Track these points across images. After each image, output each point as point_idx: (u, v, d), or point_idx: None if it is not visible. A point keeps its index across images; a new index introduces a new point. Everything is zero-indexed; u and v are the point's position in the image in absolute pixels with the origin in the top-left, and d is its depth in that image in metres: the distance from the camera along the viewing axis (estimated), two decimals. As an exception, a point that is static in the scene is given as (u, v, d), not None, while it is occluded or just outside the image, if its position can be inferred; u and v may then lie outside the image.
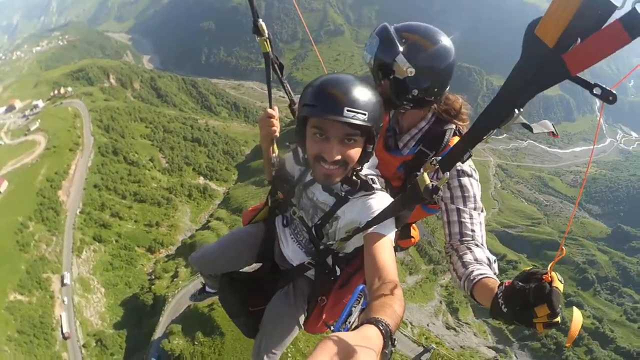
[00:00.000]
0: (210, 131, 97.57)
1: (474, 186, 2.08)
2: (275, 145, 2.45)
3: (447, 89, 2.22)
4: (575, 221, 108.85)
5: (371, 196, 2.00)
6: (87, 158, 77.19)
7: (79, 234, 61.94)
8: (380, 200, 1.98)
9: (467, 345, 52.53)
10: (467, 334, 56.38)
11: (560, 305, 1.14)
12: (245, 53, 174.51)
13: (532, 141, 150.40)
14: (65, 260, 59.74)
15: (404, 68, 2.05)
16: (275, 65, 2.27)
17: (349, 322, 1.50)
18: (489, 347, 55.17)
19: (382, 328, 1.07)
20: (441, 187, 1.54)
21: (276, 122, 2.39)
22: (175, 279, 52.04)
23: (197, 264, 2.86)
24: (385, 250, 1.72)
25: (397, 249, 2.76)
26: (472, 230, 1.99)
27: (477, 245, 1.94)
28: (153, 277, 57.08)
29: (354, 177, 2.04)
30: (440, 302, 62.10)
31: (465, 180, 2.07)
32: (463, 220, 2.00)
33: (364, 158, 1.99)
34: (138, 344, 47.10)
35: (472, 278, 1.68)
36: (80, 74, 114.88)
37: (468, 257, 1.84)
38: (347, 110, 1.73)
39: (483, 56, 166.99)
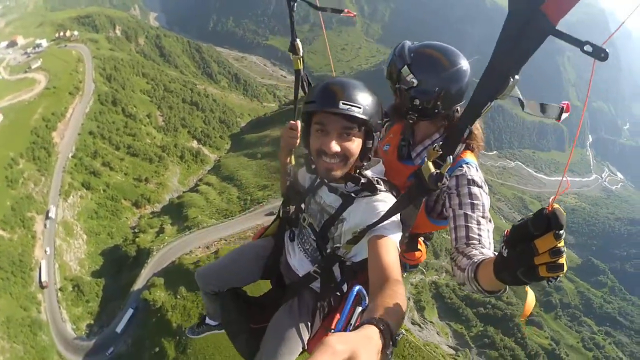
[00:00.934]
0: (210, 97, 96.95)
1: (483, 196, 2.10)
2: (293, 157, 2.58)
3: (458, 105, 2.32)
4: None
5: (375, 197, 2.08)
6: (85, 104, 76.29)
7: (68, 178, 61.71)
8: (385, 200, 2.05)
9: (430, 341, 54.18)
10: (430, 331, 57.56)
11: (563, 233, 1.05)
12: (253, 26, 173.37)
13: (519, 163, 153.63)
14: (51, 202, 59.37)
15: (407, 78, 2.23)
16: (304, 83, 2.53)
17: (351, 325, 1.57)
18: (449, 346, 56.79)
19: (382, 328, 1.08)
20: (445, 173, 1.64)
21: (298, 135, 2.47)
22: (160, 234, 52.18)
23: (202, 279, 2.81)
24: (388, 251, 1.76)
25: (405, 266, 2.91)
26: (479, 235, 1.97)
27: (483, 248, 1.89)
28: (137, 230, 57.15)
29: (357, 175, 2.13)
30: (409, 299, 63.67)
31: (475, 189, 2.10)
32: (470, 225, 1.99)
33: (364, 153, 2.08)
34: (115, 294, 47.56)
35: (476, 261, 1.65)
36: (86, 19, 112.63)
37: (473, 252, 1.80)
38: (343, 103, 1.88)
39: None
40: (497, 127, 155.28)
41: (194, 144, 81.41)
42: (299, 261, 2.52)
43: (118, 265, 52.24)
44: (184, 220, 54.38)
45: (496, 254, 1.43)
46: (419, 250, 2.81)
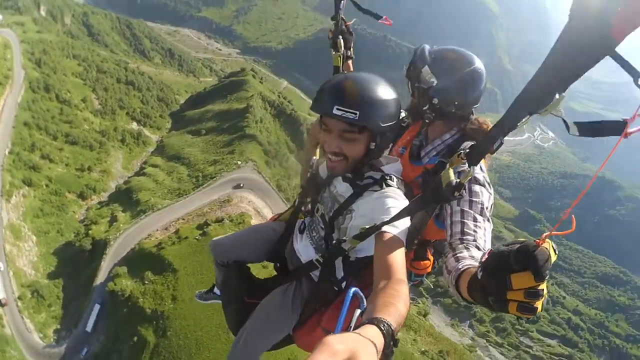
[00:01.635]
0: (145, 76, 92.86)
1: (484, 195, 2.07)
2: (318, 150, 2.66)
3: (473, 106, 2.39)
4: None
5: (385, 191, 2.04)
6: (16, 93, 70.17)
7: (8, 177, 56.96)
8: (394, 197, 2.02)
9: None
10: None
11: (545, 289, 1.01)
12: None
13: None
14: (-6, 206, 55.30)
15: (427, 78, 2.31)
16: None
17: (350, 327, 1.47)
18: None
19: (383, 328, 1.07)
20: (465, 183, 1.61)
21: None
22: (114, 223, 50.34)
23: (215, 248, 2.92)
24: (393, 249, 1.73)
25: (410, 275, 2.77)
26: (474, 232, 1.93)
27: (477, 247, 1.85)
28: (88, 223, 54.44)
29: (364, 171, 2.16)
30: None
31: (476, 187, 2.08)
32: (466, 221, 1.96)
33: (369, 154, 2.07)
34: (77, 292, 45.55)
35: (460, 267, 1.61)
36: (8, 2, 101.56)
37: (463, 254, 1.76)
38: (337, 109, 1.86)
39: (427, 39, 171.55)
40: None
41: (134, 125, 77.90)
42: (303, 247, 2.56)
43: (74, 262, 49.67)
44: (135, 205, 52.68)
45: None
46: (428, 259, 2.68)
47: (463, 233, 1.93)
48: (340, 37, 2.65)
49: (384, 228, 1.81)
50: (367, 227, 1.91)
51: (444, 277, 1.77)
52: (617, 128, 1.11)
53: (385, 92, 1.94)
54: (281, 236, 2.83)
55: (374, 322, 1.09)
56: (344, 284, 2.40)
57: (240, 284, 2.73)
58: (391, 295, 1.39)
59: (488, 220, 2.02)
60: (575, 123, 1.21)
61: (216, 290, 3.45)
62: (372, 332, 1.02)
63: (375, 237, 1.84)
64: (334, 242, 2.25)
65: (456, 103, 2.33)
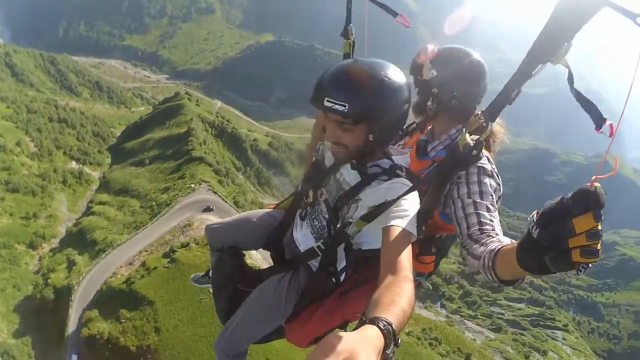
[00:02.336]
0: (77, 112, 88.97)
1: (492, 186, 2.06)
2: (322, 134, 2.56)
3: (476, 102, 2.44)
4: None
5: (394, 182, 2.01)
6: None
7: None
8: (405, 185, 1.97)
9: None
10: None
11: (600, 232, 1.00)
12: (107, 28, 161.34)
13: None
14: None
15: (427, 70, 2.38)
16: None
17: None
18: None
19: (384, 328, 1.06)
20: (483, 141, 1.70)
21: None
22: (73, 268, 47.84)
23: (211, 232, 2.87)
24: (401, 244, 1.69)
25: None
26: (491, 221, 1.92)
27: (498, 235, 1.83)
28: (45, 272, 51.12)
29: (374, 159, 2.14)
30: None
31: (485, 178, 2.06)
32: (480, 212, 1.95)
33: (369, 145, 2.01)
34: (48, 346, 42.45)
35: (494, 248, 1.58)
36: None
37: (491, 240, 1.74)
38: (327, 101, 1.83)
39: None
40: None
41: (74, 164, 74.28)
42: (303, 236, 2.48)
43: (39, 315, 46.08)
44: (92, 246, 50.16)
45: (515, 241, 1.45)
46: (432, 254, 2.54)
47: (481, 224, 1.91)
48: (351, 25, 2.65)
49: (393, 222, 1.78)
50: (377, 204, 1.93)
51: (470, 265, 1.76)
52: (598, 119, 1.20)
53: (381, 82, 1.89)
54: (280, 224, 2.76)
55: (374, 322, 1.08)
56: (342, 277, 2.36)
57: (234, 270, 2.68)
58: (396, 294, 1.37)
59: (496, 210, 2.03)
60: (575, 87, 1.29)
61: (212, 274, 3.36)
62: (372, 332, 1.02)
63: (382, 230, 1.80)
64: (338, 226, 2.17)
65: (455, 94, 2.39)
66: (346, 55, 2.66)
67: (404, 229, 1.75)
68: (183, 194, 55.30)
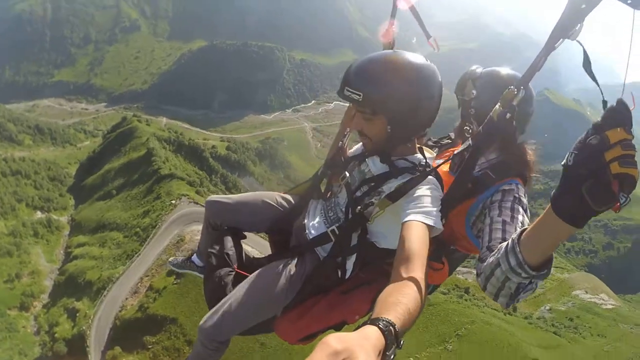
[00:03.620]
0: (27, 160, 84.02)
1: (524, 217, 2.02)
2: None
3: (518, 131, 2.28)
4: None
5: (419, 177, 2.00)
6: None
7: None
8: (431, 183, 1.98)
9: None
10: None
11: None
12: (34, 67, 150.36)
13: (337, 102, 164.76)
14: None
15: (469, 89, 2.44)
16: None
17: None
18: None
19: (385, 328, 1.04)
20: (516, 106, 1.80)
21: None
22: (77, 315, 45.41)
23: (213, 206, 2.66)
24: (417, 238, 1.68)
25: None
26: None
27: None
28: (45, 330, 48.23)
29: (400, 153, 2.16)
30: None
31: (519, 207, 2.03)
32: (507, 230, 1.92)
33: (391, 138, 2.05)
34: None
35: (514, 237, 1.53)
36: None
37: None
38: (346, 90, 1.91)
39: (284, 35, 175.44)
40: (307, 80, 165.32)
41: (39, 214, 70.61)
42: (315, 224, 2.40)
43: None
44: (89, 288, 48.05)
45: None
46: (442, 263, 2.38)
47: (504, 240, 1.83)
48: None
49: (414, 217, 1.79)
50: (404, 182, 1.97)
51: (486, 265, 1.72)
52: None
53: (398, 73, 1.93)
54: (292, 208, 2.66)
55: (376, 322, 1.07)
56: (348, 273, 2.24)
57: (234, 252, 2.50)
58: (404, 293, 1.35)
59: None
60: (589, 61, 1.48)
61: (195, 259, 3.12)
62: (373, 333, 1.00)
63: (402, 225, 1.78)
64: (359, 208, 2.10)
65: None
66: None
67: (424, 225, 1.76)
68: (166, 212, 54.05)
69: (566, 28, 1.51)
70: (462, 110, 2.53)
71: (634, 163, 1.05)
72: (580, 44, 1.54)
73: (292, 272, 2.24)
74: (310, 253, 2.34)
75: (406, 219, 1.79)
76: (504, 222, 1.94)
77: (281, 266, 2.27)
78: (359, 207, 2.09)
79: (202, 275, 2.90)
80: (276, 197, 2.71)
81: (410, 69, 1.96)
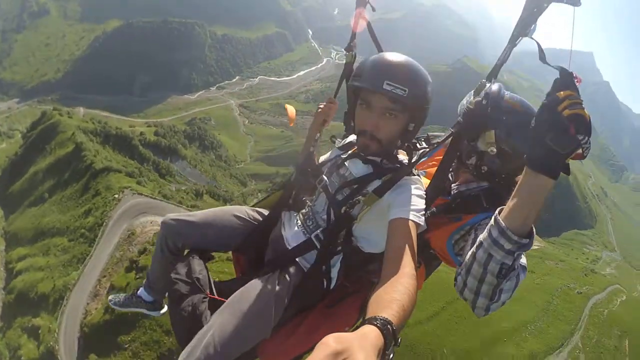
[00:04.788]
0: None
1: None
2: (322, 127, 2.68)
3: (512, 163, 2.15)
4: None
5: (408, 179, 2.02)
6: None
7: None
8: (417, 184, 2.00)
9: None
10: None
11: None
12: None
13: (262, 76, 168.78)
14: None
15: (487, 145, 2.10)
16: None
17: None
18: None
19: (383, 327, 1.05)
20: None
21: (333, 112, 2.67)
22: (39, 331, 42.55)
23: (172, 227, 2.36)
24: (407, 238, 1.68)
25: None
26: None
27: None
28: (8, 356, 43.99)
29: (394, 154, 2.21)
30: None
31: None
32: None
33: (405, 136, 2.11)
34: None
35: (495, 214, 1.53)
36: None
37: None
38: (387, 84, 1.88)
39: (204, 10, 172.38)
40: (230, 55, 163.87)
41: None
42: (293, 234, 2.29)
43: None
44: (44, 301, 45.51)
45: None
46: (419, 263, 2.34)
47: None
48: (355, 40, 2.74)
49: (400, 214, 1.80)
50: (390, 176, 2.02)
51: (469, 256, 1.65)
52: (567, 77, 1.41)
53: (426, 75, 2.04)
54: (265, 221, 2.49)
55: (373, 322, 1.07)
56: (333, 282, 2.16)
57: (205, 276, 2.19)
58: (397, 291, 1.36)
59: None
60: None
61: (143, 293, 2.77)
62: (372, 332, 1.00)
63: (389, 223, 1.80)
64: (345, 207, 2.08)
65: (503, 176, 2.26)
66: (347, 65, 2.67)
67: (410, 221, 1.78)
68: (110, 207, 52.31)
69: (524, 28, 1.75)
70: (469, 152, 2.35)
71: (581, 106, 1.29)
72: (536, 41, 1.73)
73: (276, 289, 2.03)
74: (292, 265, 2.17)
75: (393, 217, 1.81)
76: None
77: (263, 283, 2.03)
78: (344, 208, 2.08)
79: (152, 313, 2.77)
80: (246, 210, 2.54)
81: (423, 69, 2.06)
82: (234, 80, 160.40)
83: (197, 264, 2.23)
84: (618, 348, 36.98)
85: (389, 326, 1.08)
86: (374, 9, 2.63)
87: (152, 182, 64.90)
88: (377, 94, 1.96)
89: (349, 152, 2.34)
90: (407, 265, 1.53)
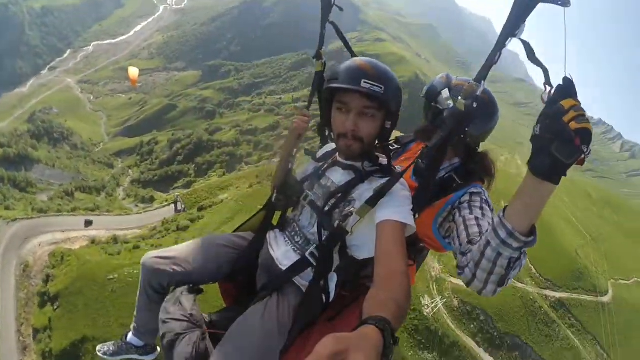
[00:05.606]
0: None
1: (492, 216, 2.06)
2: (298, 142, 2.57)
3: (485, 135, 2.43)
4: (168, 81, 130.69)
5: (394, 179, 1.95)
6: None
7: None
8: (401, 184, 1.96)
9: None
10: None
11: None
12: None
13: (96, 42, 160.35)
14: None
15: (445, 100, 2.33)
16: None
17: None
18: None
19: (382, 328, 1.04)
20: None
21: (307, 124, 2.53)
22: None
23: (151, 267, 2.19)
24: (396, 237, 1.68)
25: None
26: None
27: None
28: None
29: (375, 155, 2.11)
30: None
31: (487, 208, 2.12)
32: (482, 224, 1.98)
33: (382, 135, 2.05)
34: None
35: (499, 214, 1.57)
36: None
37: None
38: (364, 82, 1.86)
39: None
40: (55, 29, 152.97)
41: None
42: (284, 254, 2.19)
43: None
44: None
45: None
46: (413, 261, 2.56)
47: (481, 233, 1.91)
48: (324, 47, 2.71)
49: (387, 216, 1.78)
50: (380, 185, 1.90)
51: (471, 254, 1.76)
52: (548, 81, 1.48)
53: (393, 74, 2.01)
54: (250, 245, 2.38)
55: (372, 322, 1.06)
56: (332, 295, 2.04)
57: (197, 307, 2.09)
58: (392, 290, 1.39)
59: None
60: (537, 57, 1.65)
61: (133, 339, 2.58)
62: (372, 332, 1.01)
63: (377, 226, 1.77)
64: (337, 222, 1.99)
65: (466, 130, 2.21)
66: (318, 73, 2.63)
67: (398, 222, 1.77)
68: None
69: (513, 28, 1.67)
70: (430, 117, 2.54)
71: (587, 119, 1.28)
72: (524, 42, 1.69)
73: (278, 314, 1.96)
74: (288, 285, 2.08)
75: (381, 219, 1.79)
76: (476, 219, 2.03)
77: (262, 310, 1.95)
78: (337, 221, 2.00)
79: (145, 358, 2.62)
80: (230, 237, 2.43)
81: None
82: (66, 55, 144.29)
83: (186, 299, 2.12)
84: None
85: (387, 325, 1.08)
86: (341, 9, 2.62)
87: (19, 201, 57.54)
88: (354, 94, 1.93)
89: (328, 161, 2.28)
90: (399, 263, 1.57)
